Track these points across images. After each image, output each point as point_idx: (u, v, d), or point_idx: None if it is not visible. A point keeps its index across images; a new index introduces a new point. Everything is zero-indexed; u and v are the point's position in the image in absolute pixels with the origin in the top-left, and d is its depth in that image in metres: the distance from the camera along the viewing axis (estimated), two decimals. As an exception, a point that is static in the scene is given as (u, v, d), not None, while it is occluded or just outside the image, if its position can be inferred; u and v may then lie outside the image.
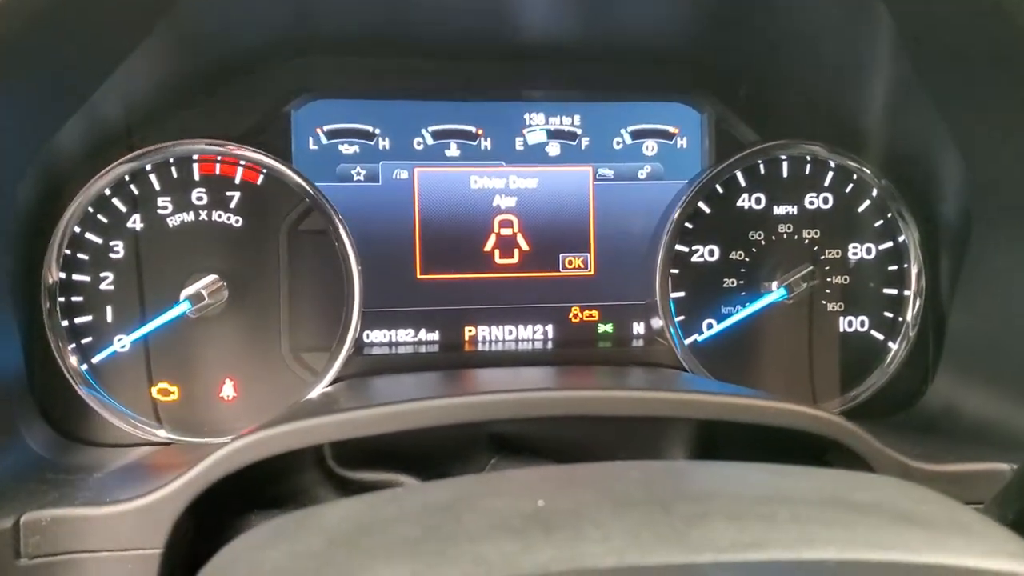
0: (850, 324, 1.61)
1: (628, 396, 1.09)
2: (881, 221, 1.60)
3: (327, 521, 0.71)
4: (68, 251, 1.43)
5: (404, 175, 1.56)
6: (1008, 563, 0.57)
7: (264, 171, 1.49)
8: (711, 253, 1.59)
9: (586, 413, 1.07)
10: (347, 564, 0.60)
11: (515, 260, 1.59)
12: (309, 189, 1.48)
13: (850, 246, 1.60)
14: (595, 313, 1.61)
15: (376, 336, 1.56)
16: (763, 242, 1.59)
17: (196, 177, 1.47)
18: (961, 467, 1.14)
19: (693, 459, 1.21)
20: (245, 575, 0.65)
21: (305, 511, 0.75)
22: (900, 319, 1.61)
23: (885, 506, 0.69)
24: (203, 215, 1.48)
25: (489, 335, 1.59)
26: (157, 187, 1.46)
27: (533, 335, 1.60)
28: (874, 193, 1.60)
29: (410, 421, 1.04)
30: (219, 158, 1.48)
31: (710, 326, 1.59)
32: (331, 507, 0.74)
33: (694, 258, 1.59)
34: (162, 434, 1.46)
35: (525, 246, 1.59)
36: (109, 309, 1.45)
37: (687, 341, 1.59)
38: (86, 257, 1.44)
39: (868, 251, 1.61)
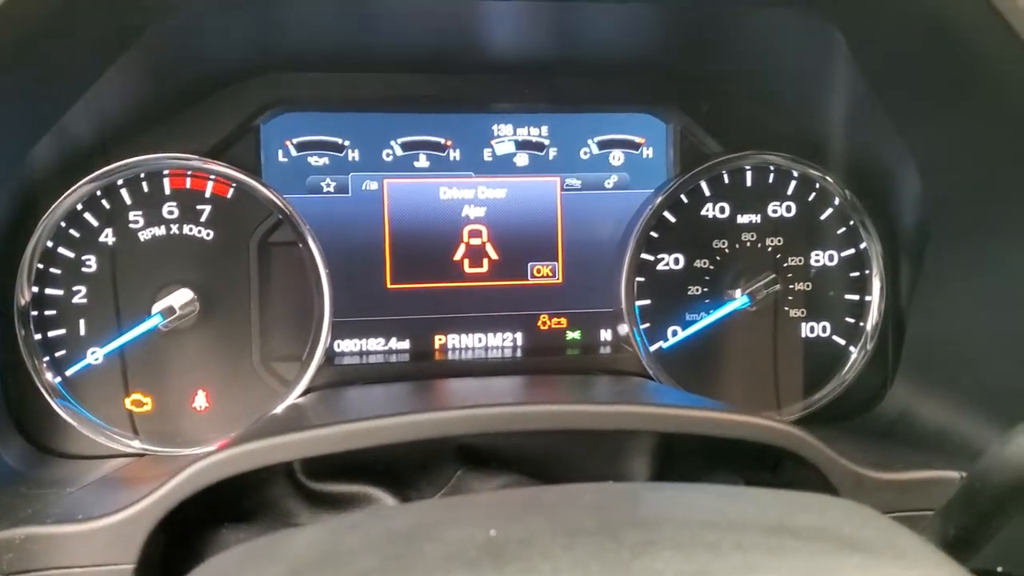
0: (812, 330, 1.65)
1: (586, 411, 1.12)
2: (843, 229, 1.64)
3: (292, 549, 0.73)
4: (41, 265, 1.44)
5: (374, 186, 1.58)
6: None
7: (234, 185, 1.50)
8: (676, 261, 1.62)
9: (547, 428, 1.10)
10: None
11: (484, 269, 1.62)
12: (278, 202, 1.50)
13: (812, 253, 1.64)
14: (563, 321, 1.64)
15: (347, 346, 1.58)
16: (727, 250, 1.62)
17: (167, 191, 1.49)
18: (912, 475, 1.17)
19: (656, 466, 1.24)
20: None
21: (272, 537, 0.77)
22: (861, 324, 1.64)
23: (828, 531, 0.71)
24: (174, 229, 1.49)
25: (459, 343, 1.61)
26: (128, 201, 1.48)
27: (503, 343, 1.62)
28: (836, 202, 1.63)
29: (377, 438, 1.07)
30: (189, 172, 1.49)
31: (675, 333, 1.62)
32: (297, 534, 0.76)
33: (660, 266, 1.62)
34: (136, 445, 1.48)
35: (494, 255, 1.62)
36: (82, 322, 1.47)
37: (652, 348, 1.62)
38: (59, 271, 1.46)
39: (830, 258, 1.64)
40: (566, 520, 0.71)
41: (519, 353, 1.63)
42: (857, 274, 1.64)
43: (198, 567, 0.76)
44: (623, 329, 1.61)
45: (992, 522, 0.83)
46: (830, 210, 1.64)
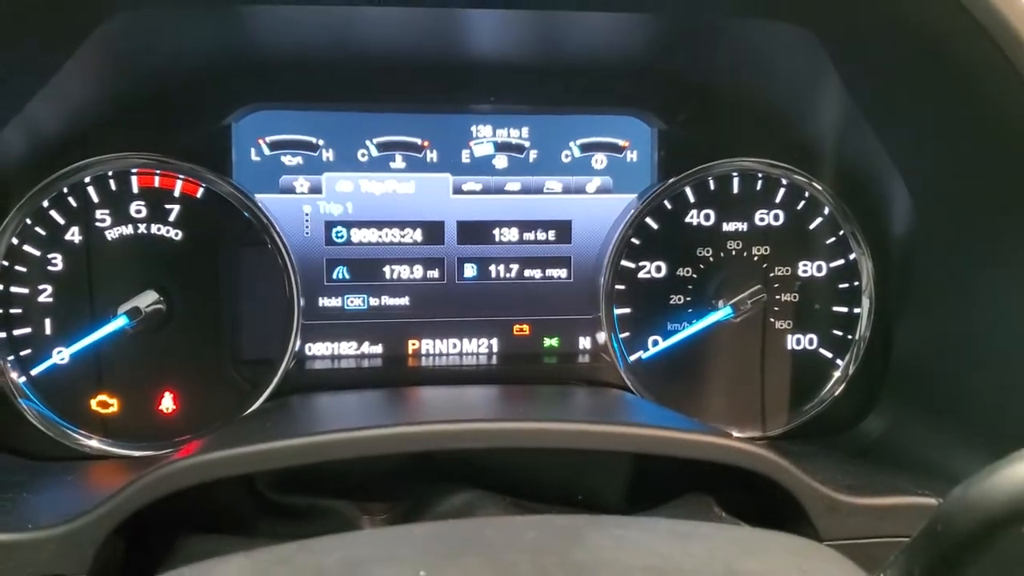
0: (799, 342, 1.61)
1: (558, 429, 1.09)
2: (833, 239, 1.59)
3: (216, 581, 0.70)
4: (6, 263, 1.42)
5: (348, 187, 1.54)
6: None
7: (203, 184, 1.47)
8: (658, 269, 1.58)
9: (516, 445, 1.08)
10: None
11: (464, 273, 1.58)
12: (247, 202, 1.47)
13: (800, 264, 1.59)
14: (540, 327, 1.60)
15: (318, 349, 1.55)
16: (711, 259, 1.58)
17: (135, 190, 1.46)
18: (887, 500, 1.14)
19: (628, 483, 1.21)
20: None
21: (199, 566, 0.74)
22: (850, 337, 1.60)
23: (775, 576, 0.69)
24: (142, 228, 1.46)
25: (433, 348, 1.58)
26: (96, 200, 1.45)
27: (478, 349, 1.59)
28: (826, 211, 1.58)
29: (338, 452, 1.05)
30: (158, 171, 1.46)
31: (656, 343, 1.58)
32: (222, 565, 0.73)
33: (641, 274, 1.57)
34: (101, 447, 1.46)
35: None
36: (48, 322, 1.44)
37: (632, 358, 1.58)
38: (24, 269, 1.43)
39: (819, 269, 1.60)
40: (503, 563, 0.69)
41: (494, 360, 1.59)
42: (846, 286, 1.60)
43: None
44: (601, 337, 1.57)
45: (956, 566, 0.80)
46: (820, 219, 1.59)
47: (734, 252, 1.58)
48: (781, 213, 1.59)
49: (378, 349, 1.57)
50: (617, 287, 1.57)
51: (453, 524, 0.81)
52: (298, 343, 1.50)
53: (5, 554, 0.99)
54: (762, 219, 1.59)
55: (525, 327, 1.60)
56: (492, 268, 1.59)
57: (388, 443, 1.06)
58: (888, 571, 0.84)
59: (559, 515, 0.85)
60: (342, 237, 1.55)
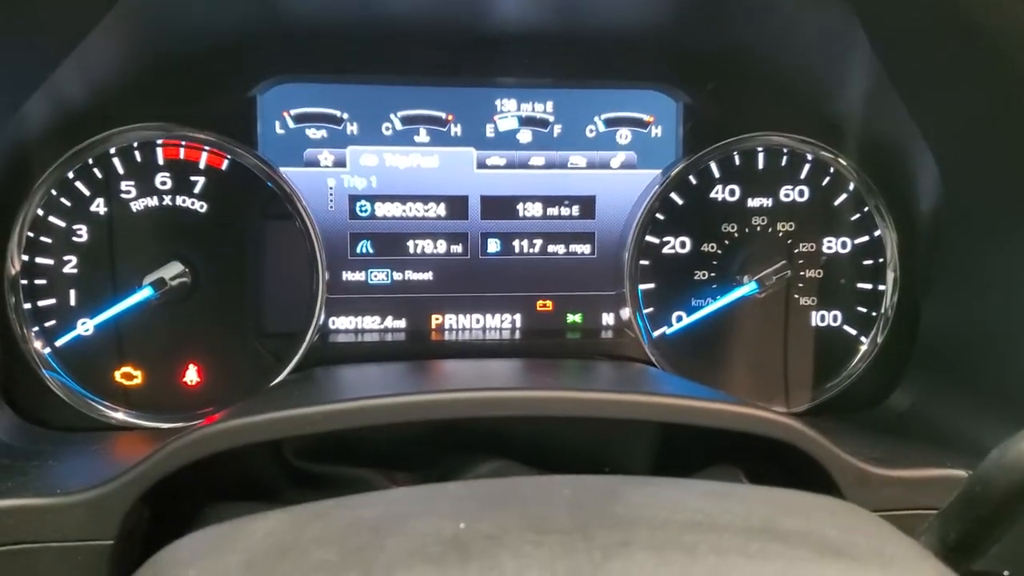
0: (823, 319, 1.60)
1: (583, 398, 1.08)
2: (858, 215, 1.58)
3: (251, 537, 0.70)
4: (32, 234, 1.42)
5: (372, 160, 1.54)
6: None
7: (228, 156, 1.46)
8: (683, 245, 1.57)
9: (541, 414, 1.07)
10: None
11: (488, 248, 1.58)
12: (273, 175, 1.46)
13: (825, 240, 1.58)
14: (564, 303, 1.60)
15: (342, 323, 1.55)
16: (736, 234, 1.57)
17: (160, 162, 1.45)
18: (918, 472, 1.13)
19: (655, 454, 1.21)
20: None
21: (234, 524, 0.75)
22: (874, 314, 1.59)
23: (813, 535, 0.68)
24: (167, 200, 1.46)
25: (456, 323, 1.58)
26: (121, 171, 1.44)
27: (501, 324, 1.59)
28: (851, 187, 1.57)
29: (364, 419, 1.04)
30: (183, 143, 1.45)
31: (680, 319, 1.58)
32: (259, 521, 0.74)
33: (665, 250, 1.57)
34: (125, 418, 1.46)
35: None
36: (73, 293, 1.44)
37: (656, 333, 1.57)
38: (50, 240, 1.43)
39: (844, 245, 1.59)
40: (540, 516, 0.68)
41: (517, 335, 1.59)
42: (871, 262, 1.59)
43: (155, 555, 0.74)
44: (625, 313, 1.56)
45: (993, 527, 0.79)
46: (845, 195, 1.58)
47: (759, 228, 1.57)
48: (806, 189, 1.58)
49: (401, 324, 1.57)
50: (641, 263, 1.56)
51: (488, 482, 0.81)
52: (322, 317, 1.50)
53: (36, 518, 0.99)
54: (787, 195, 1.58)
55: (548, 303, 1.59)
56: (516, 243, 1.58)
57: (414, 410, 1.05)
58: (924, 536, 0.84)
59: (593, 476, 0.84)
60: (366, 211, 1.55)
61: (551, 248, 1.59)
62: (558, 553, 0.61)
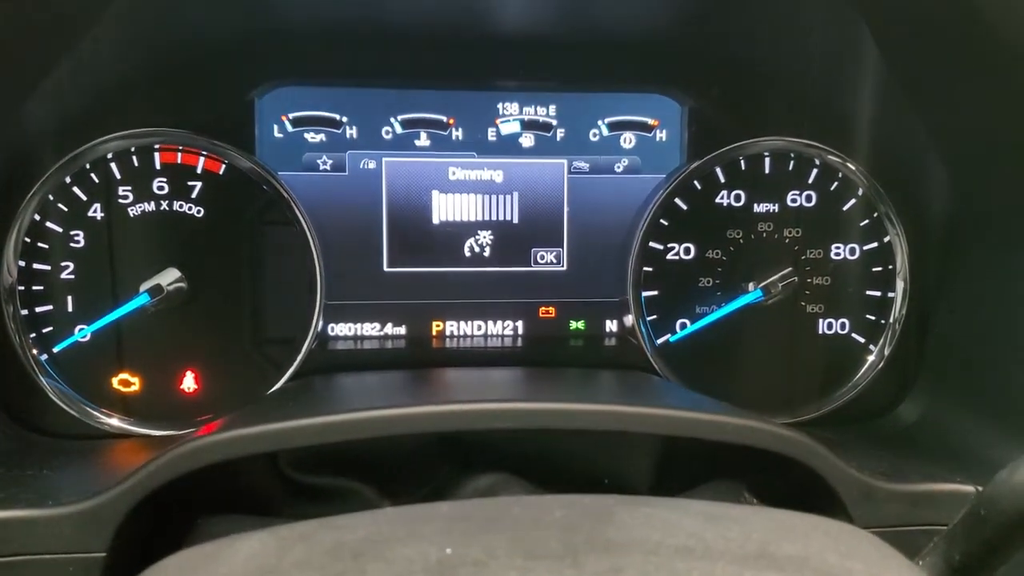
0: (831, 326, 1.57)
1: (583, 410, 1.06)
2: (866, 221, 1.55)
3: (233, 559, 0.69)
4: (28, 240, 1.41)
5: (372, 165, 1.52)
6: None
7: (226, 161, 1.45)
8: (687, 251, 1.54)
9: (539, 427, 1.05)
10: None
11: (486, 254, 1.55)
12: (271, 180, 1.45)
13: (833, 246, 1.55)
14: (566, 310, 1.58)
15: (341, 329, 1.53)
16: (741, 241, 1.54)
17: (157, 166, 1.44)
18: (924, 487, 1.10)
19: (657, 467, 1.19)
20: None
21: (217, 544, 0.73)
22: (883, 322, 1.56)
23: (811, 561, 0.66)
24: (164, 205, 1.44)
25: (457, 330, 1.56)
26: (118, 176, 1.43)
27: (503, 331, 1.56)
28: (860, 192, 1.54)
29: (360, 432, 1.02)
30: (180, 147, 1.44)
31: (683, 326, 1.55)
32: (242, 542, 0.72)
33: (669, 256, 1.54)
34: (122, 425, 1.45)
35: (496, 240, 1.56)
36: (70, 299, 1.43)
37: (660, 340, 1.55)
38: (47, 246, 1.42)
39: (852, 251, 1.56)
40: (530, 540, 0.66)
41: (519, 342, 1.57)
42: (880, 269, 1.56)
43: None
44: (628, 320, 1.54)
45: (999, 550, 0.77)
46: (853, 200, 1.55)
47: (764, 234, 1.55)
48: (813, 194, 1.55)
49: (401, 330, 1.55)
50: (645, 269, 1.53)
51: (479, 502, 0.79)
52: (321, 323, 1.48)
53: (25, 530, 0.98)
54: (794, 200, 1.55)
55: (551, 309, 1.57)
56: (517, 248, 1.56)
57: (413, 422, 1.03)
58: (928, 557, 0.81)
59: (587, 495, 0.82)
60: (366, 216, 1.53)
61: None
62: (546, 582, 0.59)
